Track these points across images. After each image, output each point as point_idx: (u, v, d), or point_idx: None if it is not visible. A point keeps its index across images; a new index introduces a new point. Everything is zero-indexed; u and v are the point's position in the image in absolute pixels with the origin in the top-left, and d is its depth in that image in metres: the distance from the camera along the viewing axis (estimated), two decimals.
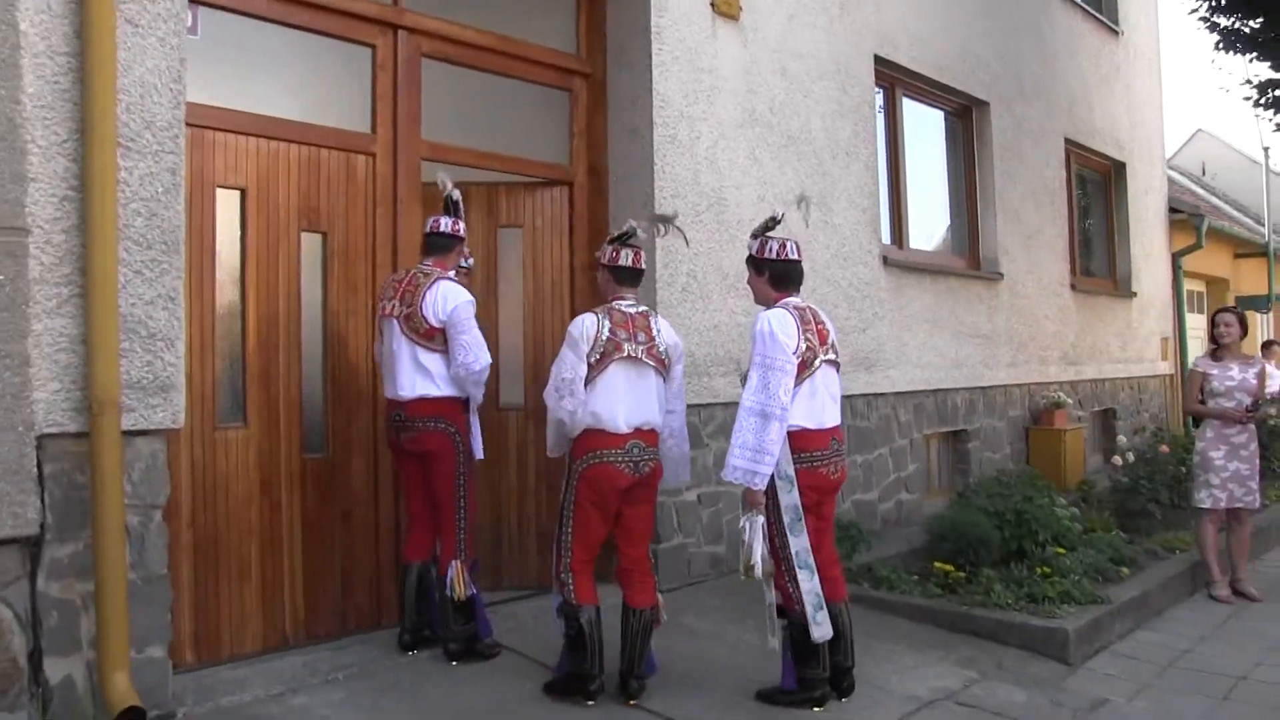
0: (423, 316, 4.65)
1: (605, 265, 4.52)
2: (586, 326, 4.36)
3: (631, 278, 4.50)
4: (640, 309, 4.47)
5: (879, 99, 8.26)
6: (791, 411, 4.13)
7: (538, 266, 6.31)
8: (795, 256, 4.39)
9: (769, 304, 4.36)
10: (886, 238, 8.12)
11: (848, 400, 7.32)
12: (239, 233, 4.86)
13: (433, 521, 4.77)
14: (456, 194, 4.97)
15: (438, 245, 4.87)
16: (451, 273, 4.86)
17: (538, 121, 6.42)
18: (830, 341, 4.37)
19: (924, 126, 9.01)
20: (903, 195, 8.39)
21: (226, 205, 4.82)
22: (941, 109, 9.21)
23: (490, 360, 4.67)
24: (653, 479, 4.43)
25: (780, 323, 4.18)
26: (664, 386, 4.47)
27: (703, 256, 6.32)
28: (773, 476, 4.13)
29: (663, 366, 4.42)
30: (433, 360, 4.67)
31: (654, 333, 4.43)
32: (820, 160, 7.27)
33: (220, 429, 4.74)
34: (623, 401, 4.31)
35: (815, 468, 4.24)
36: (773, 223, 4.47)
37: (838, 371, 4.42)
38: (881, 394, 7.73)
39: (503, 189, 6.23)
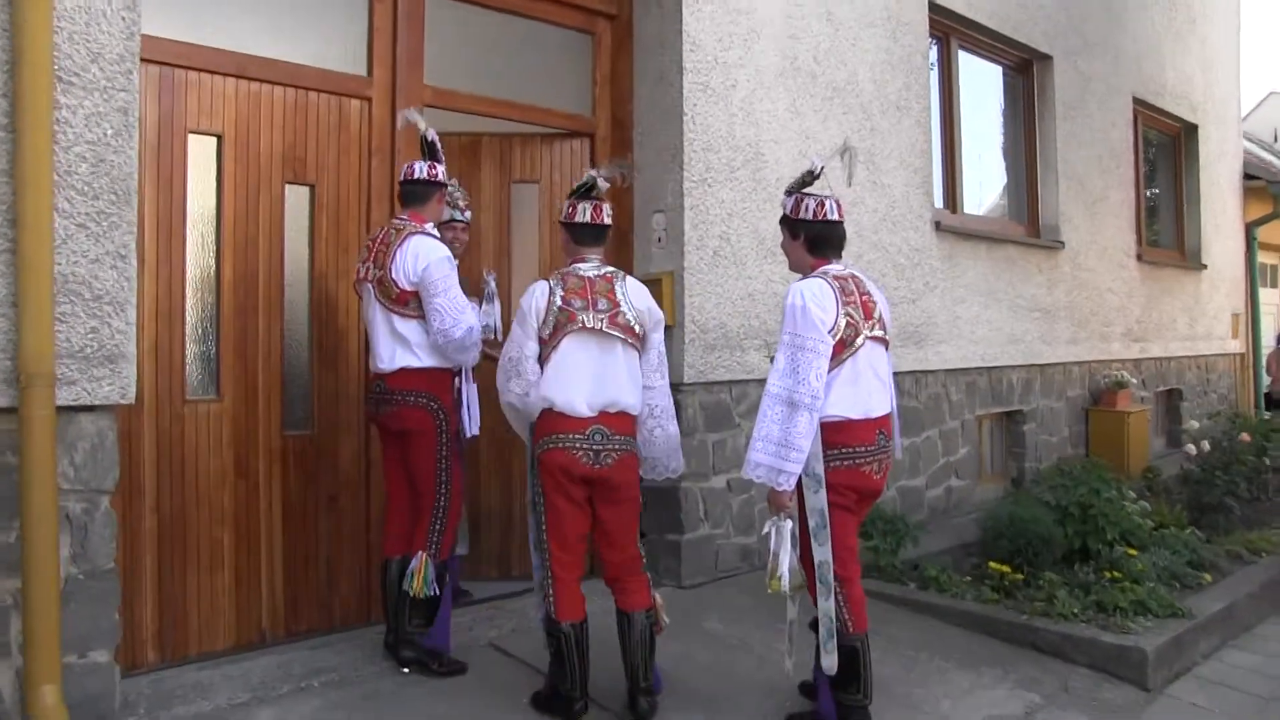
0: (393, 280, 4.10)
1: (562, 223, 3.96)
2: (535, 297, 3.80)
3: (593, 236, 3.91)
4: (604, 271, 3.88)
5: (933, 51, 7.57)
6: (828, 399, 3.54)
7: (555, 225, 5.75)
8: (836, 217, 3.75)
9: (805, 271, 3.76)
10: (939, 201, 7.46)
11: (897, 376, 6.73)
12: (215, 184, 4.34)
13: (414, 509, 4.24)
14: (432, 133, 4.38)
15: (412, 195, 4.30)
16: (430, 225, 4.28)
17: (557, 67, 5.83)
18: (878, 316, 3.74)
19: (981, 82, 8.29)
20: (957, 156, 7.69)
21: (200, 153, 4.30)
22: (1000, 63, 8.47)
23: (474, 324, 4.12)
24: (622, 473, 3.80)
25: (815, 295, 3.57)
26: (637, 360, 3.87)
27: (737, 218, 5.72)
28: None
29: (633, 337, 3.81)
30: (410, 328, 4.12)
31: (619, 298, 3.82)
32: (868, 114, 6.63)
33: (190, 402, 4.25)
34: (581, 381, 3.74)
35: (854, 466, 3.62)
36: (810, 178, 3.84)
37: (887, 350, 3.79)
38: (931, 371, 7.10)
39: (517, 141, 5.68)
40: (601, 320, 3.75)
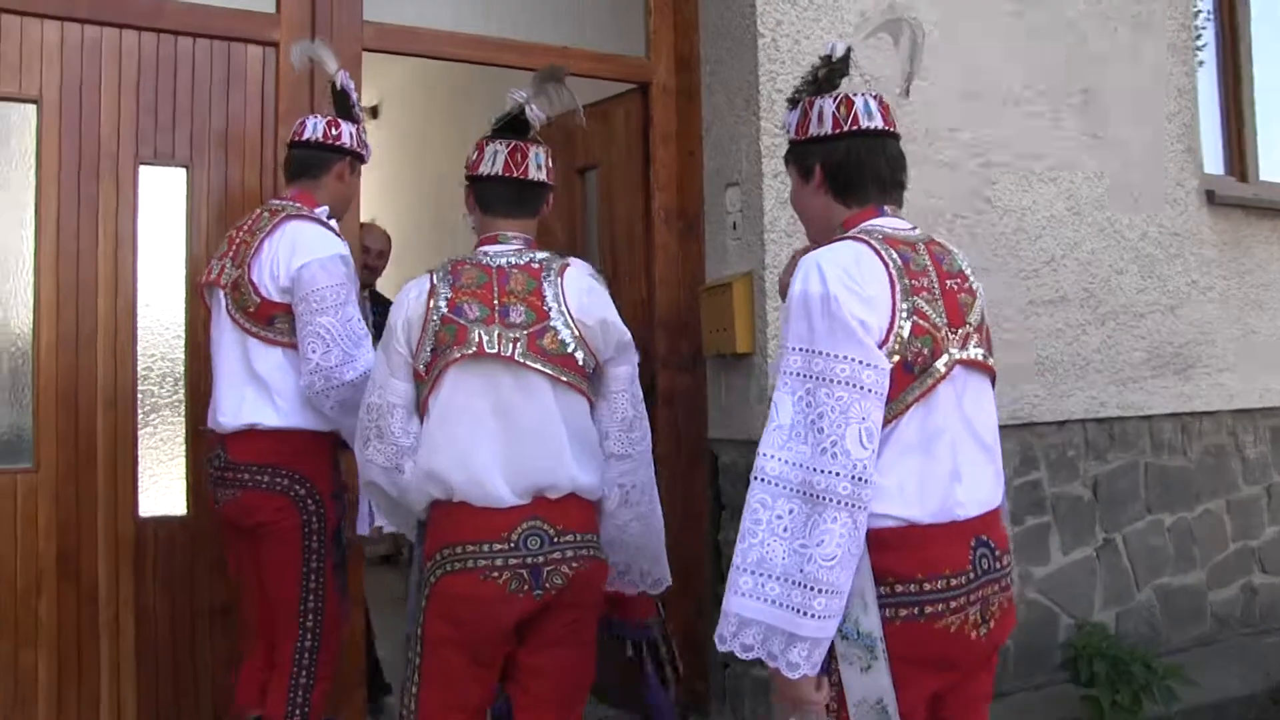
0: (252, 283, 2.72)
1: (467, 178, 2.45)
2: (407, 302, 2.31)
3: (509, 199, 2.40)
4: (526, 259, 2.34)
5: None
6: (880, 483, 1.80)
7: (612, 214, 4.17)
8: (878, 123, 2.00)
9: (829, 234, 2.00)
10: (1214, 164, 5.12)
11: (1146, 422, 4.54)
12: (31, 170, 3.11)
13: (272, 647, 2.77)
14: (343, 77, 2.97)
15: (301, 165, 2.93)
16: (324, 211, 2.87)
17: None
18: (976, 319, 1.94)
19: None
20: (1244, 99, 5.32)
21: (7, 127, 3.10)
22: None
23: (366, 369, 2.61)
24: (581, 594, 2.26)
25: (846, 271, 1.82)
26: (586, 409, 2.35)
27: None
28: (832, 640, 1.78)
29: (572, 371, 2.28)
30: (272, 362, 2.74)
31: (547, 305, 2.27)
32: (1079, 35, 4.48)
33: None
34: (488, 443, 2.23)
35: (936, 618, 1.81)
36: (830, 70, 2.06)
37: (993, 384, 2.01)
38: (1208, 413, 4.76)
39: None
40: (514, 342, 2.23)
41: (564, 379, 2.26)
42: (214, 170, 3.33)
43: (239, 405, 2.74)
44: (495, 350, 2.21)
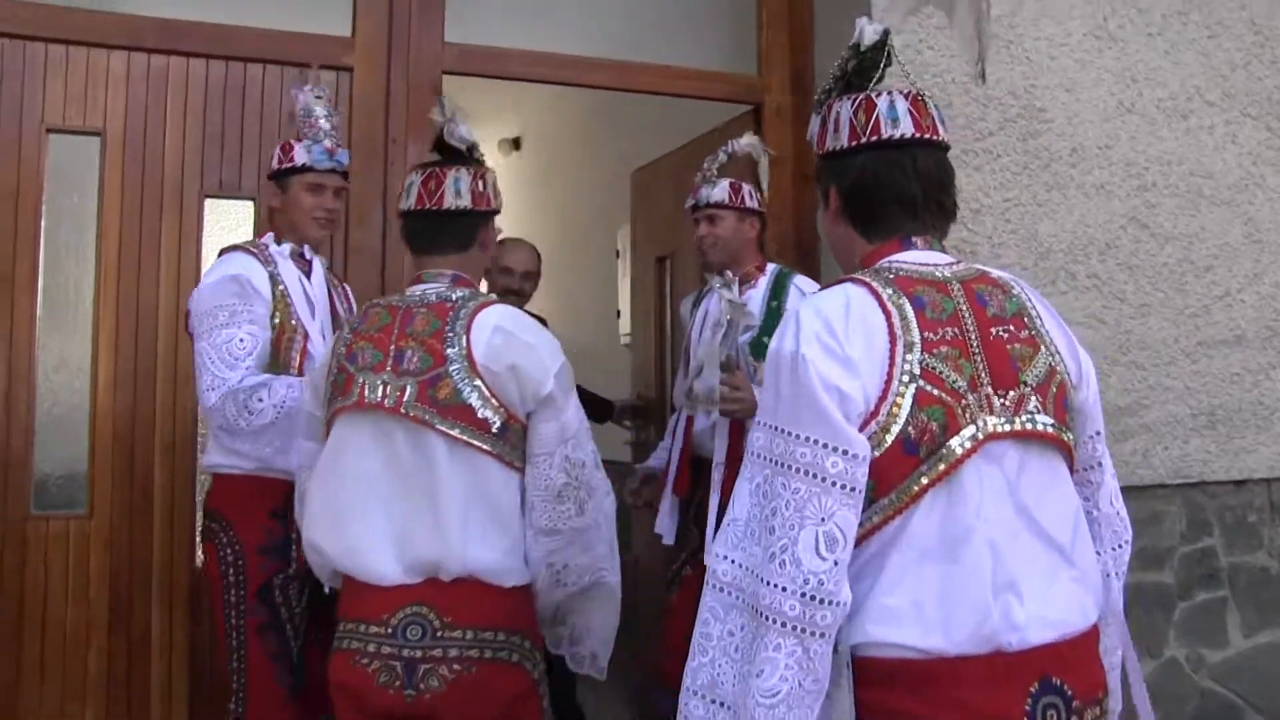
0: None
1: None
2: (322, 355, 2.16)
3: (427, 234, 2.11)
4: (438, 297, 2.05)
5: None
6: (872, 594, 1.42)
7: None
8: (904, 132, 1.56)
9: (851, 268, 1.62)
10: None
11: None
12: (94, 204, 3.02)
13: None
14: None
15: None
16: (268, 238, 2.69)
17: (694, 6, 3.94)
18: (1032, 378, 1.48)
19: None
20: None
21: (68, 159, 3.01)
22: None
23: (230, 387, 2.39)
24: (460, 709, 1.87)
25: (824, 324, 1.44)
26: (501, 473, 1.95)
27: (988, 214, 3.42)
28: None
29: (472, 426, 1.92)
30: None
31: (447, 347, 1.95)
32: (1261, 34, 3.91)
33: (37, 518, 2.90)
34: (374, 511, 1.94)
35: None
36: (860, 63, 1.62)
37: (1066, 460, 1.53)
38: None
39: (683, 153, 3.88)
40: (402, 391, 1.91)
41: (458, 435, 1.89)
42: None
43: (208, 445, 2.63)
44: (377, 400, 1.91)
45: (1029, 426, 1.46)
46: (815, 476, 1.37)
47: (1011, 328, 1.50)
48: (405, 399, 1.90)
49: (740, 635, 1.41)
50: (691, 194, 3.17)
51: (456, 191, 2.07)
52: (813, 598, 1.34)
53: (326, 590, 2.45)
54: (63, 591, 2.90)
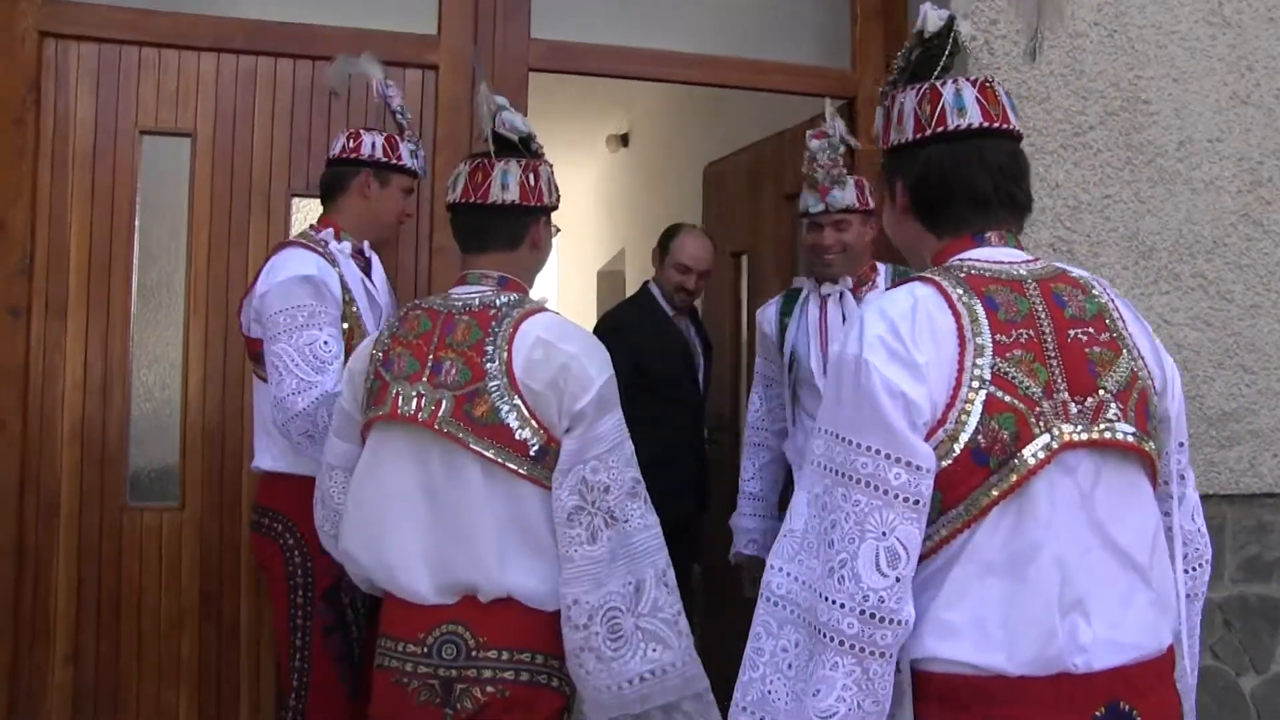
0: (240, 320, 2.64)
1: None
2: (358, 353, 2.01)
3: (472, 230, 2.01)
4: (488, 303, 1.93)
5: None
6: (931, 610, 1.35)
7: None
8: (972, 121, 1.47)
9: (922, 266, 1.57)
10: None
11: None
12: (184, 201, 3.09)
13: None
14: (380, 86, 2.75)
15: (323, 187, 2.74)
16: (328, 233, 2.63)
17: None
18: (1112, 383, 1.39)
19: None
20: None
21: (160, 160, 3.08)
22: None
23: (324, 392, 2.31)
24: None
25: (890, 326, 1.37)
26: (534, 496, 1.84)
27: (1086, 212, 3.28)
28: None
29: (508, 447, 1.81)
30: (262, 399, 2.58)
31: (486, 360, 1.84)
32: None
33: (132, 509, 3.00)
34: (410, 529, 1.88)
35: None
36: (928, 46, 1.53)
37: (1148, 470, 1.43)
38: None
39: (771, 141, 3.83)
40: (438, 405, 1.84)
41: (494, 458, 1.79)
42: None
43: (256, 447, 2.64)
44: (410, 413, 1.82)
45: (1107, 435, 1.37)
46: (877, 489, 1.31)
47: (1091, 330, 1.42)
48: (440, 414, 1.82)
49: (794, 651, 1.36)
50: (816, 197, 2.88)
51: (504, 185, 1.96)
52: (872, 616, 1.29)
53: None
54: (157, 581, 3.00)
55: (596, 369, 1.86)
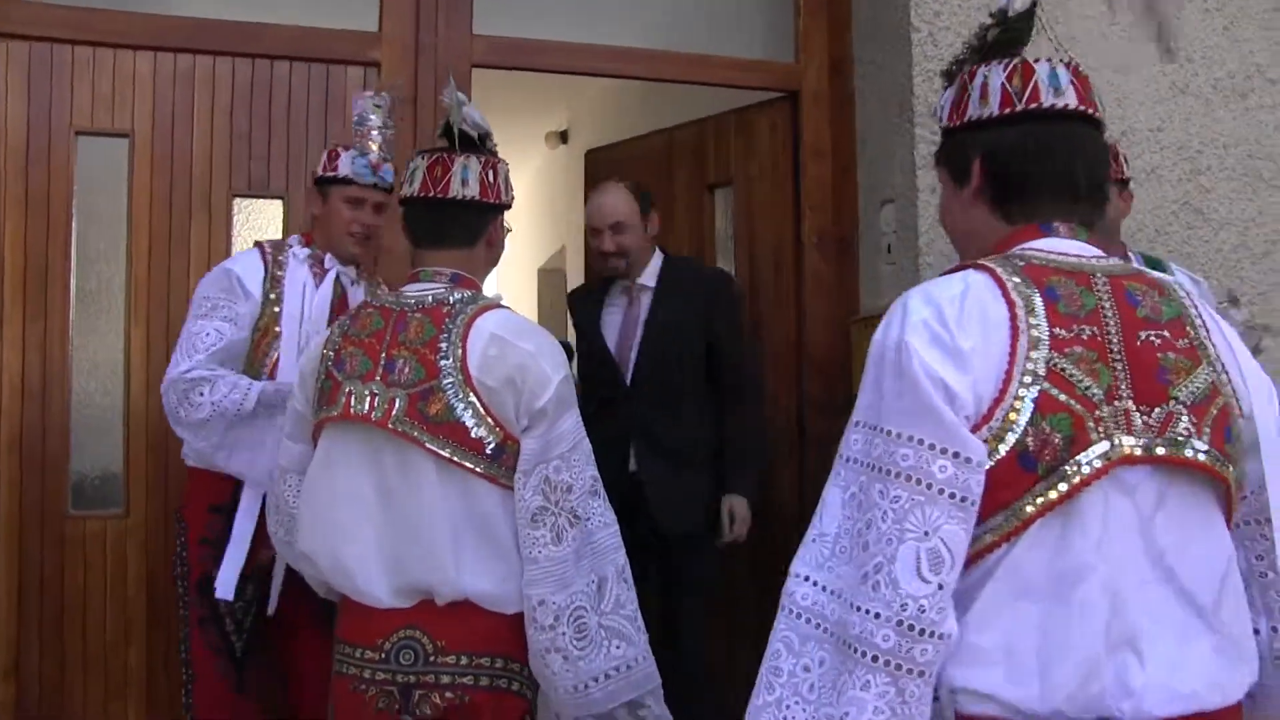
0: None
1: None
2: (309, 353, 1.98)
3: (429, 225, 1.98)
4: (440, 300, 1.90)
5: None
6: (969, 632, 1.20)
7: (752, 236, 3.75)
8: (1069, 102, 1.36)
9: (984, 251, 1.40)
10: None
11: None
12: (124, 206, 3.03)
13: None
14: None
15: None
16: (294, 239, 2.74)
17: None
18: (1186, 394, 1.24)
19: None
20: None
21: (96, 161, 3.02)
22: None
23: (178, 374, 2.44)
24: None
25: (936, 311, 1.25)
26: (492, 495, 1.82)
27: None
28: None
29: (464, 445, 1.79)
30: None
31: (440, 358, 1.82)
32: None
33: (75, 518, 2.94)
34: (365, 531, 1.84)
35: None
36: (1010, 26, 1.43)
37: (1224, 498, 1.27)
38: None
39: (710, 125, 3.86)
40: (391, 403, 1.81)
41: (448, 455, 1.77)
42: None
43: None
44: (363, 412, 1.80)
45: (1175, 453, 1.21)
46: (919, 483, 1.17)
47: (1166, 333, 1.27)
48: (394, 413, 1.79)
49: (819, 671, 1.20)
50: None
51: (464, 180, 1.94)
52: (911, 627, 1.14)
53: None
54: (102, 590, 2.95)
55: (553, 367, 1.85)
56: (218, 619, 2.50)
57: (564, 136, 7.09)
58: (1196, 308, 1.32)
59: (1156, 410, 1.22)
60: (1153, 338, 1.26)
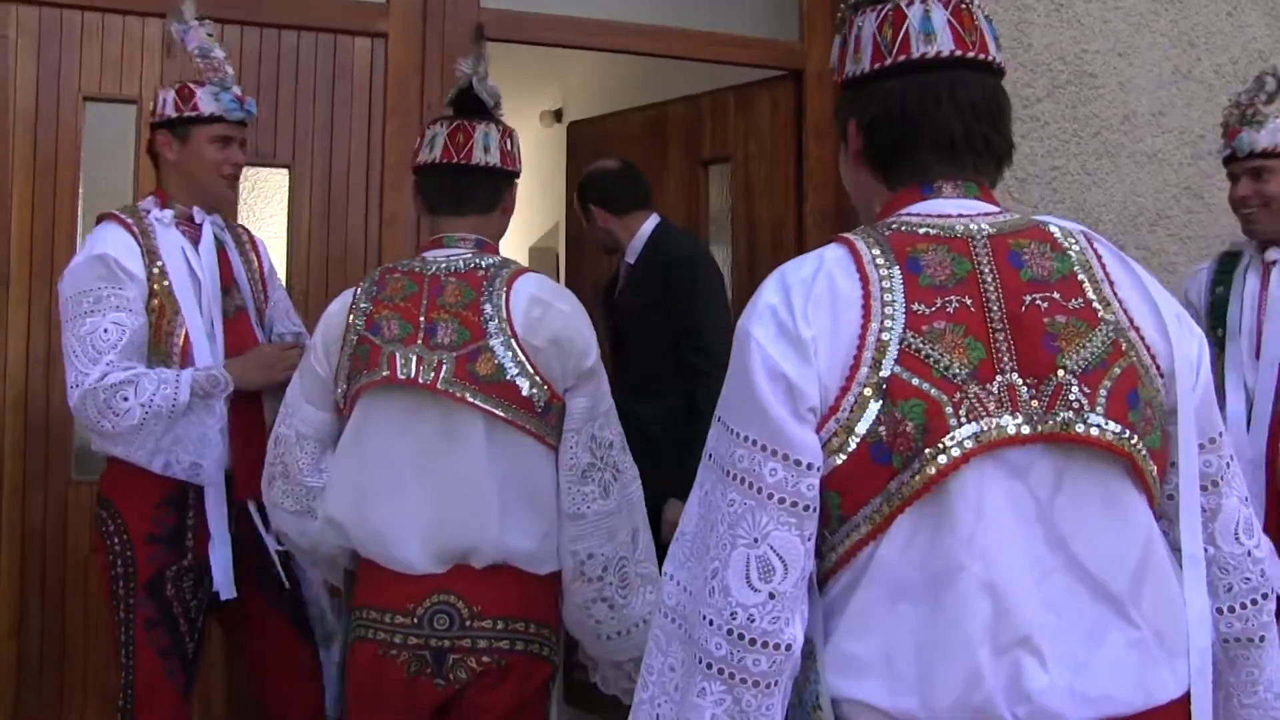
0: None
1: (412, 173, 2.08)
2: (327, 318, 1.96)
3: (451, 192, 1.98)
4: (472, 265, 1.92)
5: None
6: (850, 650, 1.12)
7: (751, 215, 3.77)
8: (942, 49, 1.22)
9: (873, 217, 1.30)
10: None
11: None
12: (131, 173, 3.04)
13: None
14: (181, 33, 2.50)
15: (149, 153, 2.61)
16: (148, 202, 2.45)
17: None
18: (1077, 362, 1.11)
19: None
20: None
21: (109, 128, 3.03)
22: None
23: (91, 386, 2.18)
24: (487, 702, 1.82)
25: (783, 295, 1.15)
26: (539, 453, 1.87)
27: (1039, 181, 3.33)
28: None
29: (515, 404, 1.82)
30: None
31: (484, 320, 1.84)
32: None
33: (78, 483, 2.96)
34: (399, 495, 1.86)
35: None
36: None
37: (1135, 474, 1.13)
38: None
39: (705, 101, 3.87)
40: (438, 367, 1.81)
41: (501, 414, 1.80)
42: (318, 170, 3.17)
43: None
44: (410, 375, 1.80)
45: (1065, 429, 1.09)
46: (750, 486, 1.09)
47: (1056, 294, 1.14)
48: (442, 375, 1.80)
49: (682, 671, 1.13)
50: (1227, 139, 2.54)
51: (485, 147, 1.97)
52: (741, 636, 1.07)
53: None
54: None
55: (588, 327, 1.93)
56: (170, 620, 2.34)
57: (558, 115, 7.08)
58: (1100, 260, 1.19)
59: (1045, 382, 1.10)
60: (1039, 301, 1.13)
